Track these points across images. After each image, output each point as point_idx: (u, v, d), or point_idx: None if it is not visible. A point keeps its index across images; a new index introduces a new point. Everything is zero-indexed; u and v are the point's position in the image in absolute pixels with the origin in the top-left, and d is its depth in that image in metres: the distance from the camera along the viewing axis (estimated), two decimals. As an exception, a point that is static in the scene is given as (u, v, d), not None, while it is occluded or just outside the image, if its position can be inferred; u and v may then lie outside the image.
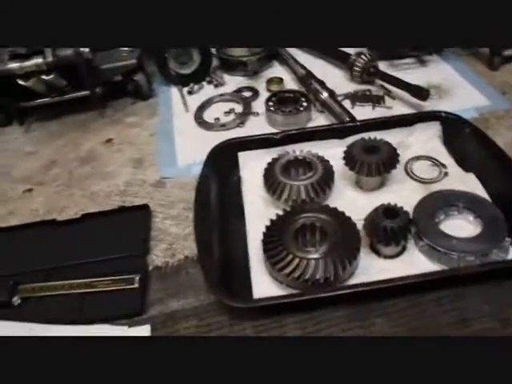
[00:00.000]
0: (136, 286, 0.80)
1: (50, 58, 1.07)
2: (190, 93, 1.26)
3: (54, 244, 0.91)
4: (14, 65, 1.08)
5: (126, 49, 1.19)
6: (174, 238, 0.89)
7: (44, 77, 1.10)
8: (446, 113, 0.98)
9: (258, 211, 0.89)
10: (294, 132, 1.00)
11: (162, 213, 0.94)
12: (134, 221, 0.92)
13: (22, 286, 0.82)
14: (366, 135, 0.92)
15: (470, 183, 0.88)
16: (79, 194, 1.02)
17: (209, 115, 1.17)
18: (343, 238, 0.76)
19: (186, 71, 1.25)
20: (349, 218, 0.79)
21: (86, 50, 1.10)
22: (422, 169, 0.93)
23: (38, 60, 1.07)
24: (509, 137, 0.99)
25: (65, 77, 1.14)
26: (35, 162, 1.12)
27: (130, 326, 0.75)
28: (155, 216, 0.93)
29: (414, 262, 0.77)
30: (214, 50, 1.31)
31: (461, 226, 0.81)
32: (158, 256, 0.86)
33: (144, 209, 0.94)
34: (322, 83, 1.13)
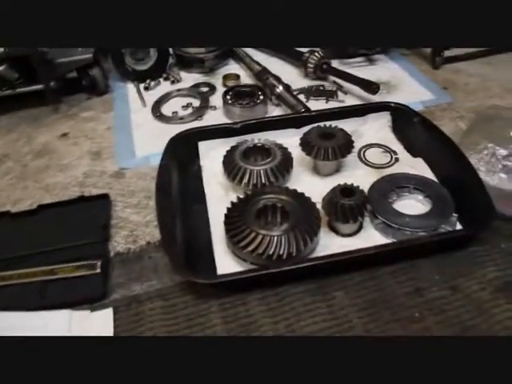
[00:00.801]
0: (98, 271, 0.80)
1: (1, 49, 1.05)
2: (146, 89, 1.26)
3: (11, 235, 0.89)
4: (-39, 55, 1.05)
5: (81, 43, 1.19)
6: (135, 225, 0.89)
7: (-6, 68, 1.08)
8: (395, 103, 1.04)
9: (219, 196, 0.91)
10: (252, 122, 1.02)
11: (122, 202, 0.94)
12: (93, 210, 0.92)
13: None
14: (321, 125, 0.96)
15: (418, 167, 0.94)
16: (34, 187, 1.00)
17: (166, 110, 1.18)
18: (304, 217, 0.79)
19: (143, 67, 1.26)
20: (308, 198, 0.82)
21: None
22: (375, 155, 0.99)
23: (-11, 50, 1.05)
24: (452, 126, 1.07)
25: (17, 69, 1.11)
26: (-16, 156, 1.09)
27: (93, 310, 0.75)
28: (115, 205, 0.93)
29: (370, 239, 0.81)
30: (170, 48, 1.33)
31: (412, 205, 0.87)
32: (119, 243, 0.86)
33: (104, 198, 0.93)
34: (277, 78, 1.17)
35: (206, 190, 0.92)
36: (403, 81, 1.25)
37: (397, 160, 0.97)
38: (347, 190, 0.81)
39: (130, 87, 1.28)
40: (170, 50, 1.33)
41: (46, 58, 1.13)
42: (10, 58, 1.08)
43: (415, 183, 0.88)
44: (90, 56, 1.18)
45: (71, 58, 1.18)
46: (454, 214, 0.82)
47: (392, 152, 0.99)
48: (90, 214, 0.91)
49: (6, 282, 0.79)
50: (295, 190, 0.84)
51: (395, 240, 0.80)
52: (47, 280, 0.79)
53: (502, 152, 0.89)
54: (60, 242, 0.85)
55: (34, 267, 0.81)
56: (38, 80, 1.15)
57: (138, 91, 1.25)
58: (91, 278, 0.79)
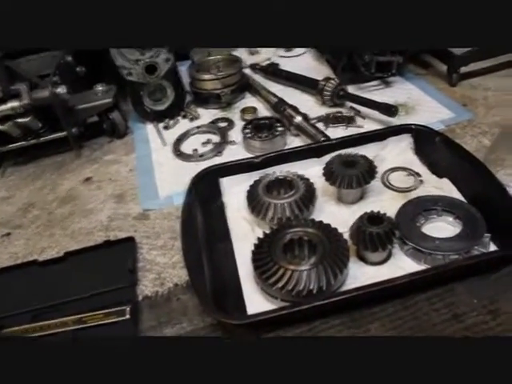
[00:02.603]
0: (127, 317, 0.79)
1: (26, 101, 1.08)
2: (165, 128, 1.28)
3: (38, 284, 0.89)
4: (-11, 110, 1.08)
5: (100, 89, 1.21)
6: (161, 267, 0.89)
7: (20, 120, 1.11)
8: (415, 125, 1.03)
9: (245, 232, 0.90)
10: (272, 154, 1.02)
11: (147, 244, 0.94)
12: (119, 254, 0.92)
13: (7, 330, 0.80)
14: (342, 152, 0.95)
15: (444, 188, 0.92)
16: (60, 234, 1.01)
17: (186, 147, 1.19)
18: (331, 249, 0.77)
19: (161, 107, 1.28)
20: (335, 229, 0.81)
21: (63, 90, 1.11)
22: (398, 179, 0.97)
23: (15, 103, 1.08)
24: (474, 143, 1.05)
25: (41, 119, 1.14)
26: (12, 206, 1.11)
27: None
28: (141, 248, 0.93)
29: (401, 266, 0.79)
30: (187, 86, 1.35)
31: (441, 227, 0.84)
32: (146, 286, 0.86)
33: (129, 241, 0.93)
34: (294, 108, 1.18)
35: (230, 227, 0.92)
36: (421, 101, 1.24)
37: (421, 182, 0.95)
38: (374, 218, 0.79)
39: (150, 127, 1.30)
40: (187, 87, 1.35)
41: (67, 105, 1.16)
42: (34, 108, 1.11)
43: (443, 205, 0.86)
44: (110, 100, 1.20)
45: (91, 103, 1.21)
46: (486, 234, 0.79)
47: (416, 174, 0.97)
48: (117, 258, 0.91)
49: (37, 334, 0.79)
50: (321, 222, 0.83)
51: (427, 265, 0.78)
52: (77, 329, 0.79)
53: (531, 167, 0.87)
54: (88, 290, 0.85)
55: (63, 317, 0.81)
56: (60, 127, 1.17)
57: (158, 131, 1.26)
58: (121, 324, 0.78)
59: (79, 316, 0.80)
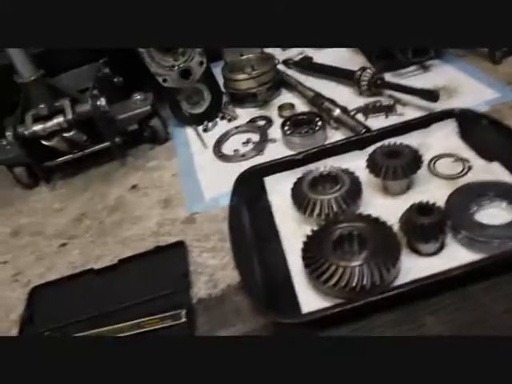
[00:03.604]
0: (183, 320, 0.81)
1: (70, 116, 1.11)
2: (205, 130, 1.29)
3: (96, 292, 0.92)
4: (37, 127, 1.12)
5: (138, 97, 1.24)
6: (213, 269, 0.90)
7: (65, 134, 1.14)
8: (459, 109, 1.00)
9: (293, 230, 0.90)
10: (314, 150, 1.02)
11: (197, 247, 0.96)
12: (171, 258, 0.93)
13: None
14: (385, 143, 0.94)
15: (495, 172, 0.89)
16: (113, 242, 1.03)
17: (227, 148, 1.20)
18: (382, 243, 0.76)
19: (199, 110, 1.29)
20: (384, 222, 0.80)
21: (103, 103, 1.14)
22: (446, 166, 0.95)
23: (60, 119, 1.12)
24: (524, 124, 1.01)
25: (84, 131, 1.18)
26: (65, 217, 1.15)
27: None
28: (191, 251, 0.95)
29: (456, 256, 0.76)
30: (222, 87, 1.36)
31: (495, 214, 0.81)
32: (200, 289, 0.87)
33: (179, 245, 0.95)
34: (332, 101, 1.16)
35: (278, 226, 0.92)
36: (462, 83, 1.20)
37: (470, 168, 0.92)
38: (424, 208, 0.77)
39: (189, 131, 1.31)
40: (223, 89, 1.36)
41: (107, 116, 1.19)
42: (77, 122, 1.14)
43: (495, 190, 0.83)
44: (149, 108, 1.23)
45: (131, 112, 1.23)
46: (545, 219, 0.77)
47: (464, 160, 0.94)
48: (168, 262, 0.93)
49: (97, 341, 0.82)
50: (369, 215, 0.82)
51: (483, 254, 0.75)
52: (135, 334, 0.81)
53: None
54: (142, 295, 0.87)
55: (121, 322, 0.83)
56: (103, 138, 1.21)
57: (198, 134, 1.28)
58: (177, 328, 0.80)
59: (137, 321, 0.82)
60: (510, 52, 1.25)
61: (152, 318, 0.83)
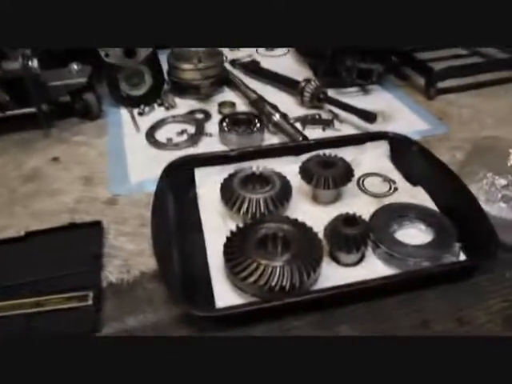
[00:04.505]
0: (90, 302, 0.76)
1: (-7, 71, 1.03)
2: (140, 114, 1.24)
3: (-6, 264, 0.84)
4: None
5: (75, 67, 1.17)
6: (128, 254, 0.86)
7: (-15, 90, 1.05)
8: (393, 133, 1.04)
9: (216, 225, 0.88)
10: (250, 149, 1.01)
11: (115, 230, 0.91)
12: (85, 237, 0.88)
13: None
14: (320, 153, 0.95)
15: (418, 196, 0.93)
16: (22, 212, 0.96)
17: (161, 135, 1.16)
18: (306, 247, 0.76)
19: (137, 93, 1.24)
20: (310, 228, 0.80)
21: (35, 65, 1.06)
22: (374, 184, 0.98)
23: (-19, 72, 1.03)
24: (448, 156, 1.07)
25: (8, 92, 1.09)
26: (-31, 181, 1.05)
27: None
28: (108, 233, 0.90)
29: (373, 269, 0.79)
30: (166, 74, 1.32)
31: (413, 234, 0.85)
32: (111, 273, 0.83)
33: (96, 225, 0.90)
34: (274, 106, 1.17)
35: (202, 219, 0.90)
36: (398, 111, 1.25)
37: (396, 189, 0.96)
38: (350, 220, 0.79)
39: (124, 113, 1.26)
40: (165, 76, 1.32)
41: (38, 80, 1.11)
42: (2, 80, 1.05)
43: (416, 212, 0.87)
44: (85, 80, 1.16)
45: (65, 81, 1.16)
46: (457, 244, 0.80)
47: (391, 181, 0.98)
48: (82, 242, 0.87)
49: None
50: (296, 220, 0.82)
51: (398, 270, 0.78)
52: (34, 312, 0.75)
53: (501, 182, 0.89)
54: (49, 272, 0.81)
55: (20, 298, 0.76)
56: (29, 103, 1.12)
57: (132, 117, 1.23)
58: (82, 310, 0.75)
59: (37, 299, 0.76)
60: (443, 90, 1.33)
61: (55, 296, 0.77)
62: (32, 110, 1.13)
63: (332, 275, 0.77)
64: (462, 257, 0.80)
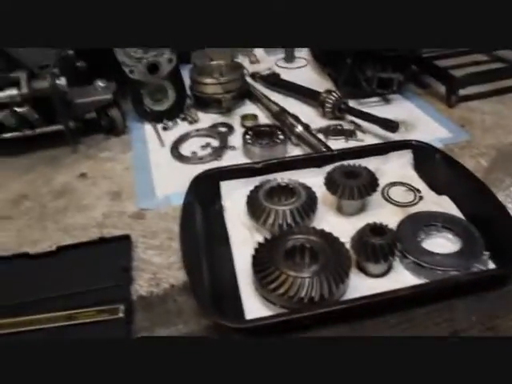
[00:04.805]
0: (121, 315, 0.77)
1: (25, 90, 1.06)
2: (164, 129, 1.26)
3: (28, 278, 0.86)
4: (-14, 96, 1.05)
5: (101, 84, 1.20)
6: (157, 267, 0.87)
7: (17, 109, 1.08)
8: (416, 141, 1.04)
9: (244, 237, 0.89)
10: (274, 161, 1.02)
11: (143, 243, 0.92)
12: (114, 251, 0.89)
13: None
14: (344, 163, 0.96)
15: (444, 205, 0.92)
16: (53, 228, 0.98)
17: (185, 149, 1.18)
18: (334, 257, 0.77)
19: (161, 108, 1.27)
20: (337, 238, 0.81)
21: (63, 83, 1.09)
22: (398, 194, 0.98)
23: (13, 91, 1.05)
24: (473, 164, 1.06)
25: (38, 110, 1.11)
26: (2, 196, 1.08)
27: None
28: (136, 247, 0.91)
29: (401, 279, 0.78)
30: (188, 89, 1.34)
31: (441, 243, 0.85)
32: (141, 286, 0.84)
33: (124, 239, 0.91)
34: (296, 118, 1.18)
35: (229, 231, 0.91)
36: (420, 119, 1.25)
37: (421, 198, 0.96)
38: (377, 229, 0.79)
39: (148, 128, 1.28)
40: (188, 91, 1.34)
41: (65, 98, 1.14)
42: (32, 98, 1.08)
43: (443, 221, 0.87)
44: (110, 97, 1.19)
45: (90, 98, 1.19)
46: (485, 252, 0.80)
47: (416, 190, 0.98)
48: (111, 255, 0.88)
49: (20, 329, 0.76)
50: (323, 230, 0.82)
51: (427, 280, 0.78)
52: (65, 325, 0.76)
53: (528, 189, 0.89)
54: (80, 286, 0.82)
55: (51, 312, 0.78)
56: (57, 121, 1.15)
57: (156, 131, 1.25)
58: (113, 323, 0.76)
59: (69, 312, 0.77)
60: (464, 98, 1.33)
61: (87, 310, 0.78)
62: (59, 127, 1.16)
63: (360, 286, 0.78)
64: (491, 266, 0.80)
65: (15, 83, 1.06)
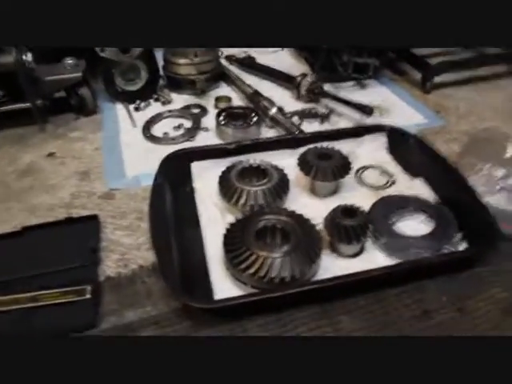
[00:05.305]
0: (88, 296, 0.75)
1: (-13, 66, 1.01)
2: (136, 109, 1.23)
3: (-8, 259, 0.83)
4: None
5: (70, 62, 1.16)
6: (126, 248, 0.85)
7: (-21, 84, 1.04)
8: (390, 126, 1.04)
9: (214, 218, 0.87)
10: (247, 142, 1.00)
11: (112, 224, 0.90)
12: (81, 232, 0.87)
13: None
14: (318, 145, 0.95)
15: (417, 188, 0.93)
16: (18, 208, 0.95)
17: (157, 130, 1.15)
18: (305, 238, 0.76)
19: (133, 88, 1.23)
20: (308, 220, 0.80)
21: (29, 58, 1.05)
22: (372, 177, 0.97)
23: (-25, 66, 1.01)
24: (445, 148, 1.06)
25: (2, 86, 1.07)
26: (-36, 177, 1.04)
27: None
28: (105, 227, 0.89)
29: (373, 260, 0.78)
30: (161, 69, 1.31)
31: (413, 226, 0.85)
32: (109, 266, 0.82)
33: (92, 219, 0.89)
34: (270, 100, 1.16)
35: (200, 212, 0.89)
36: (395, 104, 1.25)
37: (394, 182, 0.96)
38: (349, 211, 0.79)
39: (120, 108, 1.25)
40: (161, 71, 1.31)
41: (32, 75, 1.09)
42: (-5, 74, 1.04)
43: (415, 204, 0.87)
44: (79, 75, 1.15)
45: (60, 76, 1.15)
46: (457, 235, 0.80)
47: (389, 173, 0.97)
48: (78, 236, 0.86)
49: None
50: (294, 211, 0.81)
51: (399, 261, 0.78)
52: (31, 307, 0.73)
53: (499, 173, 0.89)
54: (46, 266, 0.80)
55: (17, 293, 0.75)
56: (24, 98, 1.10)
57: (128, 112, 1.22)
58: (80, 304, 0.74)
59: (33, 294, 0.75)
60: (439, 85, 1.33)
61: (52, 291, 0.75)
62: (27, 105, 1.11)
63: (332, 267, 0.77)
64: (463, 247, 0.80)
65: (-23, 57, 1.02)
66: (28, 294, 0.75)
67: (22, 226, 0.87)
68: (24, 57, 1.05)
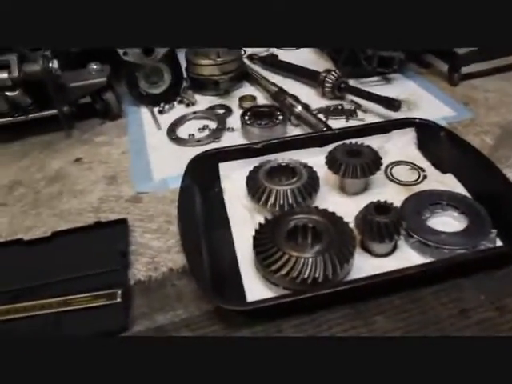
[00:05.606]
0: (118, 300, 0.75)
1: (15, 73, 1.02)
2: (160, 112, 1.23)
3: (23, 264, 0.84)
4: (-25, 79, 1.02)
5: (95, 67, 1.17)
6: (155, 251, 0.85)
7: (8, 93, 1.05)
8: (420, 119, 1.01)
9: (244, 219, 0.87)
10: (274, 141, 0.99)
11: (140, 227, 0.90)
12: (111, 236, 0.87)
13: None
14: (346, 142, 0.93)
15: (448, 183, 0.90)
16: (48, 214, 0.96)
17: (182, 132, 1.15)
18: (337, 237, 0.74)
19: (157, 91, 1.23)
20: (340, 218, 0.78)
21: (55, 66, 1.06)
22: (402, 173, 0.95)
23: (3, 75, 1.02)
24: (477, 141, 1.03)
25: (30, 94, 1.08)
26: (-4, 183, 1.06)
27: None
28: (134, 231, 0.89)
29: (407, 259, 0.76)
30: (184, 71, 1.31)
31: (447, 222, 0.83)
32: (139, 270, 0.82)
33: (121, 223, 0.89)
34: (295, 98, 1.15)
35: (229, 213, 0.88)
36: (422, 98, 1.22)
37: (425, 177, 0.94)
38: (381, 208, 0.77)
39: (144, 111, 1.25)
40: (184, 73, 1.31)
41: (58, 82, 1.10)
42: (24, 83, 1.05)
43: (448, 199, 0.85)
44: (104, 80, 1.16)
45: (85, 82, 1.16)
46: (493, 230, 0.77)
47: (419, 169, 0.95)
48: (108, 240, 0.86)
49: (17, 315, 0.74)
50: (326, 210, 0.80)
51: (433, 259, 0.76)
52: (62, 311, 0.74)
53: (536, 165, 0.86)
54: (76, 271, 0.80)
55: (48, 298, 0.76)
56: (51, 105, 1.12)
57: (153, 115, 1.22)
58: (111, 308, 0.74)
59: (64, 298, 0.75)
60: (467, 76, 1.29)
61: (83, 295, 0.76)
62: (53, 112, 1.13)
63: (365, 266, 0.75)
64: (499, 243, 0.77)
65: (5, 67, 1.03)
66: (59, 299, 0.76)
67: (52, 231, 0.88)
68: (50, 64, 1.05)
